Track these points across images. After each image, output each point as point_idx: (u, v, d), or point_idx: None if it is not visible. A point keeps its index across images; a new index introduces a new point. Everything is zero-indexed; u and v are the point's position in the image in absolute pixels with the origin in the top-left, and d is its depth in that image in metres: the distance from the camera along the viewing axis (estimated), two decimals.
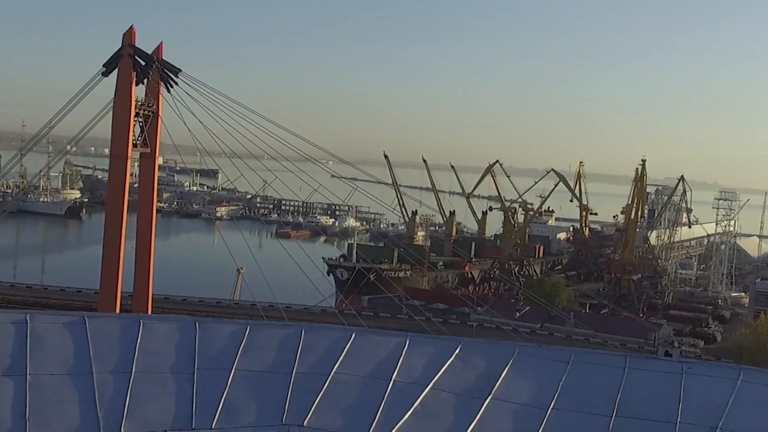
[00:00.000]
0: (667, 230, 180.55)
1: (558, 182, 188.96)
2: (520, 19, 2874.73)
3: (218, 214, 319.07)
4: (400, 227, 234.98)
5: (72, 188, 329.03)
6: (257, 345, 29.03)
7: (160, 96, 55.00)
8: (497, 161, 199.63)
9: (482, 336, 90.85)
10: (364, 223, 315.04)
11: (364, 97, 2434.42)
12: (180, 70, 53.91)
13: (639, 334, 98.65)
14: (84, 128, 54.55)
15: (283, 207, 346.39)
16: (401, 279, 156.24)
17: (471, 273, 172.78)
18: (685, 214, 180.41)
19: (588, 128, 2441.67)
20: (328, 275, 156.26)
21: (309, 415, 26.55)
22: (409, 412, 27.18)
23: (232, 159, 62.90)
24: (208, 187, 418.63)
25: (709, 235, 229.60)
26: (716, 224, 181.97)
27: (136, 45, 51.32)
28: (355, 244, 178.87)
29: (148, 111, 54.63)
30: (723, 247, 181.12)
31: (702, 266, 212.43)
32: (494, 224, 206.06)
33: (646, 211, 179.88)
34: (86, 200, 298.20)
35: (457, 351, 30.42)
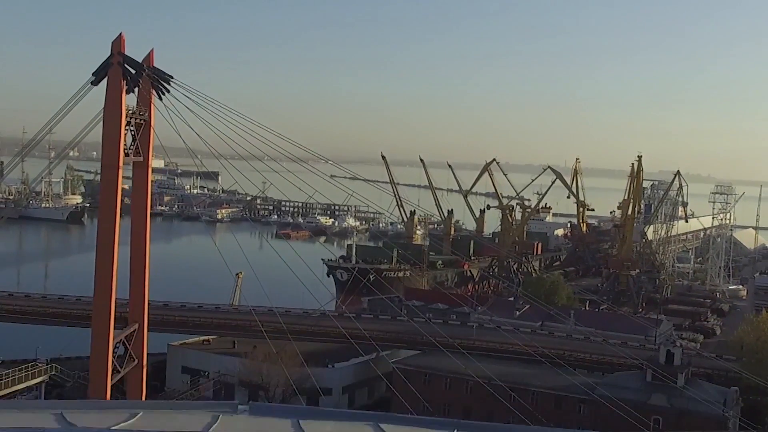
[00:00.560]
0: (664, 225, 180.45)
1: (555, 179, 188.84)
2: (513, 19, 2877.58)
3: (219, 217, 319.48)
4: (399, 226, 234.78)
5: (73, 193, 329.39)
6: None
7: (152, 104, 54.49)
8: (494, 159, 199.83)
9: (483, 336, 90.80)
10: (364, 222, 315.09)
11: (361, 97, 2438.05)
12: (172, 77, 53.32)
13: (639, 331, 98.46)
14: (78, 136, 54.11)
15: (283, 208, 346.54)
16: (401, 279, 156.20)
17: (470, 271, 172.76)
18: (681, 208, 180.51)
19: (582, 123, 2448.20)
20: (328, 276, 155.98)
21: None
22: None
23: (230, 161, 62.38)
24: (208, 189, 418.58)
25: (705, 229, 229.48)
26: (713, 218, 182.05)
27: (126, 53, 50.81)
28: (354, 245, 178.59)
29: (140, 119, 54.13)
30: (719, 240, 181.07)
31: (699, 259, 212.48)
32: (492, 222, 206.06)
33: (642, 207, 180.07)
34: (88, 205, 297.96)
35: None
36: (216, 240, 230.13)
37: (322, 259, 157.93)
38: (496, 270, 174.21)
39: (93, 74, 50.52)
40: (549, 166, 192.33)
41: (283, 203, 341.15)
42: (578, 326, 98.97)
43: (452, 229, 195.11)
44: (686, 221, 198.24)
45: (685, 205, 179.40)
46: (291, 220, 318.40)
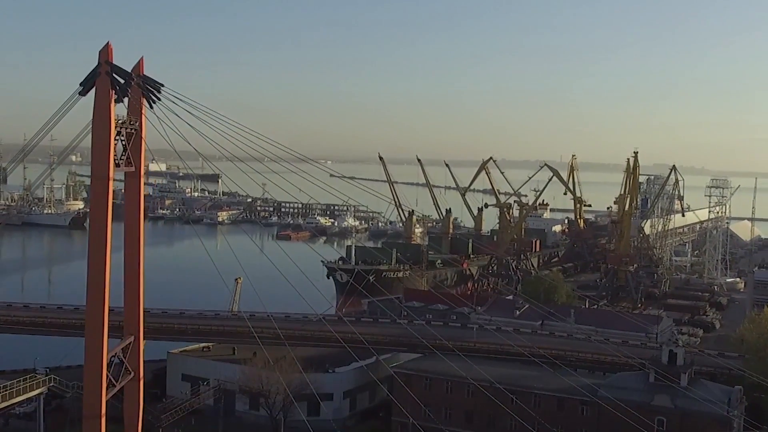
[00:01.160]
0: (661, 219, 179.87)
1: (552, 177, 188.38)
2: (507, 16, 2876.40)
3: (220, 219, 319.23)
4: (398, 225, 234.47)
5: (75, 199, 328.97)
6: None
7: (143, 113, 53.54)
8: (491, 158, 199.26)
9: (484, 338, 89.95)
10: (363, 222, 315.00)
11: (358, 97, 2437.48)
12: (162, 85, 52.44)
13: (640, 329, 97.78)
14: (71, 144, 53.41)
15: (282, 209, 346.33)
16: (401, 279, 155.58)
17: (469, 270, 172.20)
18: (678, 202, 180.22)
19: (577, 119, 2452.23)
20: (328, 278, 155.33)
21: None
22: None
23: (226, 162, 61.67)
24: (209, 192, 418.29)
25: (701, 222, 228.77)
26: (709, 211, 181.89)
27: (116, 62, 49.79)
28: (354, 246, 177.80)
29: (131, 129, 53.18)
30: (716, 232, 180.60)
31: (696, 252, 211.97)
32: (490, 220, 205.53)
33: (639, 201, 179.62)
34: (89, 210, 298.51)
35: None
36: (217, 243, 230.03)
37: (322, 261, 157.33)
38: (495, 268, 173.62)
39: (81, 84, 49.44)
40: (545, 163, 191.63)
41: (283, 204, 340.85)
42: (579, 325, 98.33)
43: (451, 227, 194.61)
44: (683, 215, 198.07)
45: (681, 199, 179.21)
46: (291, 221, 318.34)
